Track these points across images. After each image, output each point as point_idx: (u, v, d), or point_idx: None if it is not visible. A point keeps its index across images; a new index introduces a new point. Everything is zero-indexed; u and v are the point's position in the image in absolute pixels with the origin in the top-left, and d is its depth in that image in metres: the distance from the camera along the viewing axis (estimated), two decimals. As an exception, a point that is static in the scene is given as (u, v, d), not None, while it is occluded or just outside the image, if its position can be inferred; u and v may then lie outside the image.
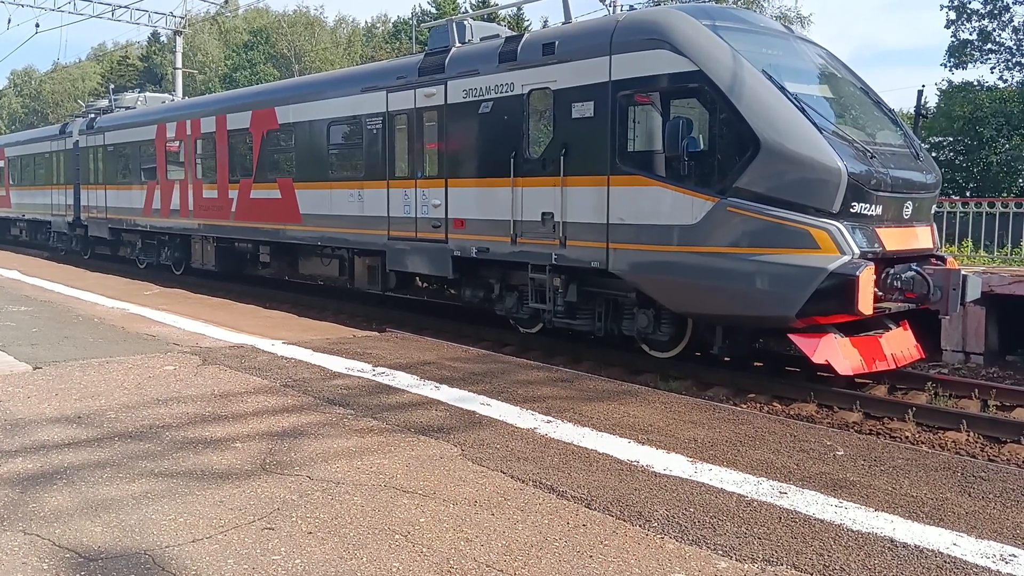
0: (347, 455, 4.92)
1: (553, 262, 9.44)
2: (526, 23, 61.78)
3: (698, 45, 8.21)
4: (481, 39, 11.10)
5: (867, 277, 7.40)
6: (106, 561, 3.48)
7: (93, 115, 22.18)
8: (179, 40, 38.77)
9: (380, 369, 7.29)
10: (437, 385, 6.69)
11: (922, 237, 8.53)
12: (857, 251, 7.55)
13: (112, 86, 36.68)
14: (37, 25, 34.15)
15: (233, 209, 15.00)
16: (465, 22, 11.42)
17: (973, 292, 8.31)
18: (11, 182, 27.09)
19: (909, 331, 8.86)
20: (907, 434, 7.21)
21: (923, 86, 11.04)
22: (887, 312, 8.26)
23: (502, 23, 58.85)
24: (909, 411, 7.61)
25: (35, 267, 17.09)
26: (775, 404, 8.15)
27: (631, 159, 8.75)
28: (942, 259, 8.73)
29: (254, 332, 9.11)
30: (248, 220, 14.61)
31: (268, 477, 4.53)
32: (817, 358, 7.78)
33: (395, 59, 15.29)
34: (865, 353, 8.05)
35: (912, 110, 10.61)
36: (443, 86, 10.71)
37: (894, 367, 8.36)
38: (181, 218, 16.76)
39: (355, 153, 12.33)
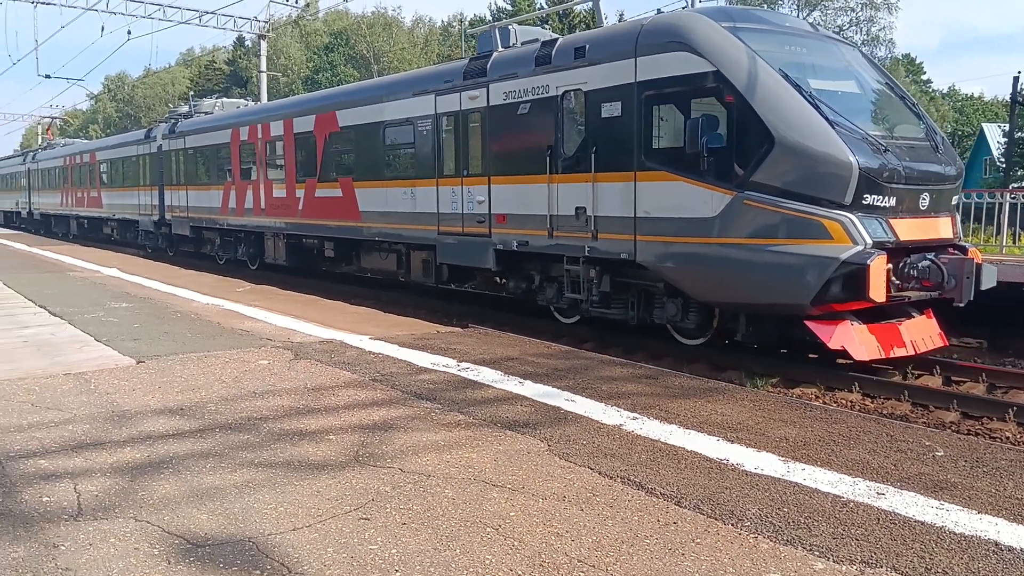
0: (436, 448, 5.01)
1: (586, 254, 9.99)
2: (604, 17, 61.44)
3: (716, 46, 8.61)
4: (523, 43, 11.61)
5: (878, 266, 7.66)
6: (213, 547, 3.63)
7: (175, 120, 23.60)
8: (263, 44, 39.91)
9: (464, 364, 7.38)
10: (521, 381, 6.74)
11: (941, 227, 8.72)
12: (870, 241, 7.84)
13: (191, 93, 38.01)
14: (129, 32, 35.48)
15: (300, 207, 15.94)
16: (510, 27, 11.98)
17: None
18: (103, 184, 28.89)
19: (933, 319, 9.07)
20: (1008, 434, 6.94)
21: (1019, 72, 10.80)
22: (907, 300, 8.45)
23: (573, 20, 58.62)
24: (1010, 411, 7.31)
25: (133, 265, 17.87)
26: (867, 402, 7.94)
27: (656, 155, 9.21)
28: (963, 249, 8.84)
29: (342, 328, 9.33)
30: (313, 217, 15.52)
31: (362, 469, 4.65)
32: (833, 344, 8.11)
33: (443, 64, 16.13)
34: (883, 339, 8.30)
35: (1008, 97, 10.41)
36: (485, 89, 11.37)
37: (913, 353, 8.58)
38: (254, 216, 17.84)
39: (407, 153, 13.04)
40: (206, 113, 22.82)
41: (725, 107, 8.56)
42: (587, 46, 10.08)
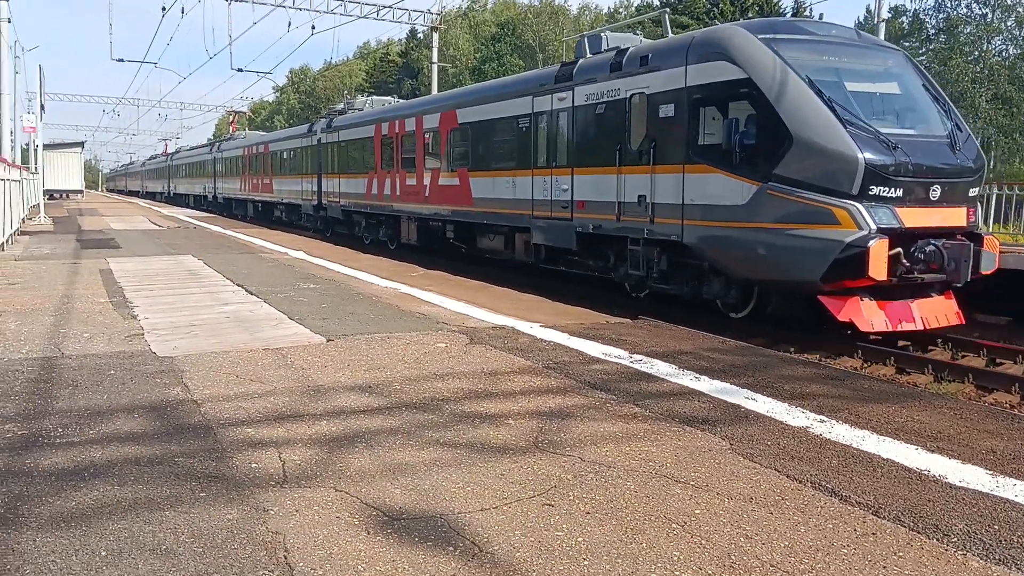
0: (614, 439, 5.00)
1: (645, 236, 11.46)
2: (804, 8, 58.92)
3: (749, 56, 9.91)
4: (610, 49, 12.94)
5: (879, 248, 8.79)
6: (408, 521, 3.79)
7: (331, 116, 26.52)
8: (435, 36, 41.16)
9: (637, 356, 7.32)
10: (697, 376, 6.60)
11: (951, 216, 9.61)
12: (874, 227, 8.96)
13: (344, 93, 40.73)
14: (313, 27, 37.60)
15: (427, 194, 18.17)
16: (601, 35, 13.64)
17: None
18: (273, 172, 32.36)
19: (952, 300, 10.02)
20: None
21: None
22: (920, 281, 9.47)
23: (746, 3, 56.49)
24: None
25: (316, 248, 18.97)
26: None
27: (700, 151, 10.54)
28: (976, 237, 9.77)
29: (512, 314, 9.50)
30: (437, 203, 17.71)
31: (542, 455, 4.71)
32: (842, 316, 9.34)
33: (539, 69, 18.13)
34: (892, 315, 9.46)
35: None
36: (571, 91, 13.05)
37: (922, 328, 9.65)
38: (392, 201, 20.35)
39: (509, 147, 14.87)
40: (357, 110, 25.54)
41: (754, 109, 9.81)
42: (650, 55, 11.56)
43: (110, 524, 3.70)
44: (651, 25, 60.84)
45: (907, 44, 50.98)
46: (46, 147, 42.07)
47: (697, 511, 3.96)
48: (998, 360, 9.68)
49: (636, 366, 6.95)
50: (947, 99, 10.75)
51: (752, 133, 9.79)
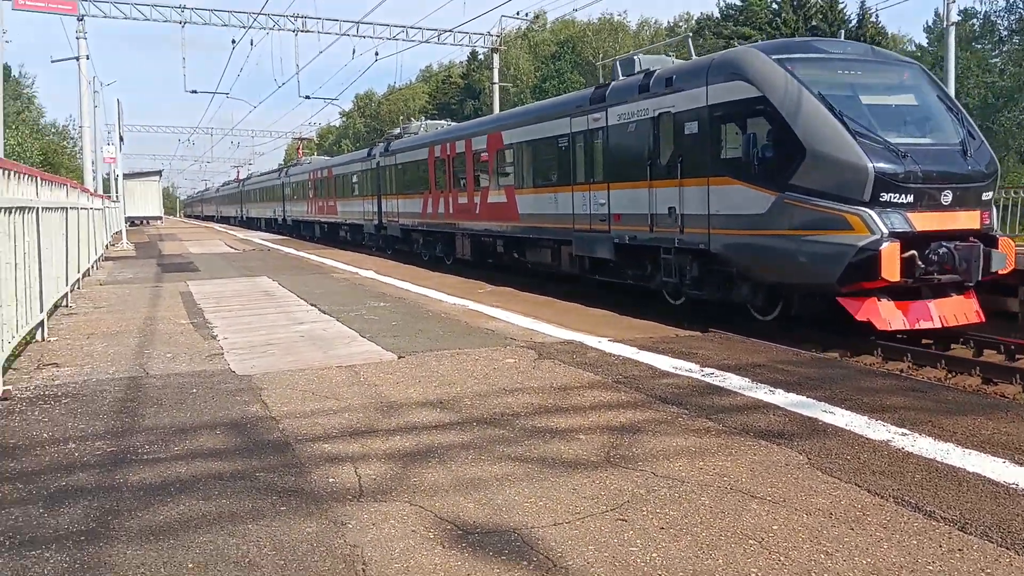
0: (687, 454, 4.95)
1: (676, 245, 12.09)
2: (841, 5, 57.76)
3: (763, 75, 10.58)
4: (638, 71, 13.73)
5: (890, 251, 9.29)
6: (482, 536, 3.82)
7: (388, 140, 27.97)
8: (496, 57, 41.58)
9: (708, 370, 7.23)
10: (771, 389, 6.48)
11: (964, 220, 10.02)
12: (886, 231, 9.45)
13: (401, 119, 41.92)
14: (376, 53, 38.54)
15: (477, 211, 19.16)
16: (634, 58, 14.41)
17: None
18: (337, 195, 33.83)
19: (972, 299, 10.37)
20: None
21: None
22: (937, 282, 9.92)
23: (808, 12, 55.53)
24: None
25: (385, 267, 19.28)
26: None
27: (722, 164, 11.15)
28: (991, 239, 10.21)
29: (580, 329, 9.49)
30: (487, 220, 18.63)
31: (614, 469, 4.69)
32: (860, 316, 9.80)
33: (576, 92, 18.77)
34: (910, 314, 9.89)
35: None
36: (605, 112, 13.88)
37: (939, 327, 10.03)
38: (446, 219, 21.36)
39: (551, 165, 15.78)
40: (412, 134, 26.67)
41: (770, 124, 10.43)
42: (674, 76, 12.30)
43: (196, 537, 3.83)
44: (712, 38, 60.19)
45: (980, 46, 49.41)
46: (126, 176, 43.86)
47: (775, 527, 3.89)
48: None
49: (707, 379, 6.87)
50: (961, 108, 11.30)
51: (769, 147, 10.42)
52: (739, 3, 63.74)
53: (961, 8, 43.23)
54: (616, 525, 3.93)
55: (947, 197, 9.87)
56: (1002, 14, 45.91)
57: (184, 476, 4.64)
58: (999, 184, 11.19)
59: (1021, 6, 44.42)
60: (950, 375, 9.43)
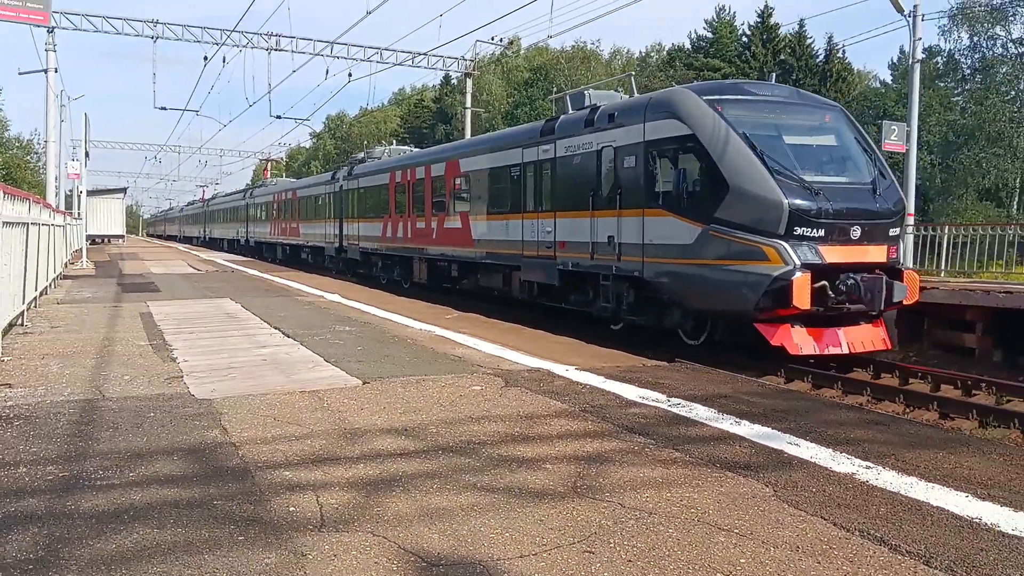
0: (654, 485, 4.91)
1: (614, 272, 12.66)
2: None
3: (693, 115, 11.21)
4: (587, 106, 14.23)
5: (801, 281, 9.94)
6: (447, 568, 3.74)
7: (352, 165, 28.17)
8: (469, 82, 41.79)
9: (675, 400, 7.23)
10: (737, 420, 6.49)
11: (872, 253, 10.75)
12: (799, 262, 10.12)
13: (365, 144, 42.19)
14: (350, 75, 38.41)
15: (434, 236, 19.66)
16: (584, 92, 14.96)
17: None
18: (300, 217, 33.91)
19: (880, 327, 11.16)
20: None
21: None
22: (846, 310, 10.54)
23: (778, 46, 56.69)
24: None
25: (351, 291, 19.13)
26: None
27: (656, 197, 11.80)
28: (896, 272, 10.98)
29: (547, 357, 9.46)
30: (443, 244, 19.17)
31: (581, 500, 4.64)
32: (775, 341, 10.42)
33: (528, 124, 19.53)
34: (820, 340, 10.57)
35: None
36: (554, 144, 14.45)
37: (847, 352, 10.75)
38: (404, 243, 21.78)
39: (502, 193, 16.28)
40: (376, 159, 27.00)
41: (699, 161, 11.05)
42: (616, 113, 12.93)
43: (149, 567, 3.70)
44: (683, 69, 61.09)
45: (943, 84, 50.74)
46: (89, 193, 43.18)
47: (742, 560, 3.86)
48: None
49: (674, 410, 6.86)
50: (876, 150, 12.10)
51: (697, 181, 11.13)
52: (710, 35, 64.94)
53: (926, 46, 44.45)
54: (583, 557, 3.88)
55: (856, 232, 10.57)
56: (966, 52, 47.23)
57: (139, 503, 4.49)
58: (956, 220, 11.82)
59: (985, 45, 45.75)
60: (908, 409, 9.54)
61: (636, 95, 14.18)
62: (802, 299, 9.93)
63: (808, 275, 9.98)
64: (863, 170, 11.44)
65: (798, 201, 10.24)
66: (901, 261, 11.46)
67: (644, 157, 12.03)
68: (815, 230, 10.30)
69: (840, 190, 10.78)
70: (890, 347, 11.30)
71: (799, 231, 10.23)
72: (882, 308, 10.64)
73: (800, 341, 10.44)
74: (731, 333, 11.57)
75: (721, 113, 10.99)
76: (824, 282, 10.21)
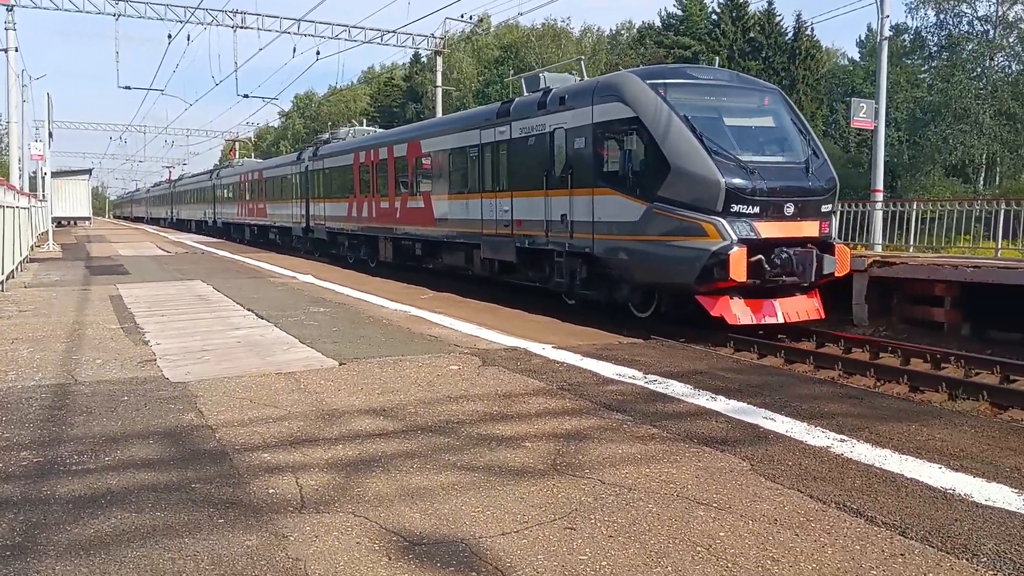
0: (633, 461, 4.95)
1: (567, 249, 13.12)
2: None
3: (638, 98, 11.66)
4: (542, 88, 14.58)
5: (737, 255, 10.43)
6: (429, 546, 3.75)
7: (317, 145, 28.37)
8: (439, 60, 41.43)
9: (652, 377, 7.28)
10: (713, 396, 6.55)
11: (805, 229, 11.26)
12: (735, 238, 10.59)
13: (328, 125, 41.80)
14: (318, 52, 37.87)
15: (398, 216, 20.01)
16: (540, 75, 15.46)
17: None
18: (267, 198, 33.94)
19: (815, 298, 11.73)
20: None
21: None
22: (782, 283, 11.07)
23: (747, 23, 56.79)
24: None
25: (324, 272, 19.01)
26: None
27: (604, 176, 12.24)
28: (828, 246, 11.47)
29: (524, 336, 9.47)
30: (407, 224, 19.56)
31: (561, 478, 4.66)
32: (715, 312, 10.94)
33: (486, 106, 20.10)
34: (756, 310, 11.10)
35: None
36: (509, 125, 14.83)
37: (783, 322, 11.30)
38: (369, 223, 22.06)
39: (462, 173, 16.74)
40: (340, 139, 27.14)
41: (643, 142, 11.50)
42: (566, 96, 13.39)
43: (129, 551, 3.67)
44: (653, 47, 61.04)
45: (910, 61, 51.17)
46: (54, 174, 42.33)
47: (721, 533, 3.91)
48: (1012, 377, 9.61)
49: (651, 387, 6.91)
50: (810, 130, 12.60)
51: (641, 162, 11.56)
52: (680, 13, 64.83)
53: (893, 23, 44.76)
54: (565, 534, 3.90)
55: (790, 209, 11.09)
56: (932, 30, 47.59)
57: (116, 488, 4.45)
58: (924, 196, 12.12)
59: (951, 23, 46.14)
60: (879, 383, 9.68)
61: (586, 78, 14.64)
62: (739, 272, 10.44)
63: (744, 249, 10.48)
64: (798, 150, 11.95)
65: (734, 180, 10.73)
66: (834, 236, 12.05)
67: (593, 138, 12.49)
68: (751, 207, 10.81)
69: (775, 169, 11.29)
70: (823, 316, 11.88)
71: (736, 208, 10.72)
72: (813, 280, 11.17)
73: (738, 312, 10.96)
74: (676, 306, 12.04)
75: (664, 96, 11.44)
76: (760, 256, 10.69)
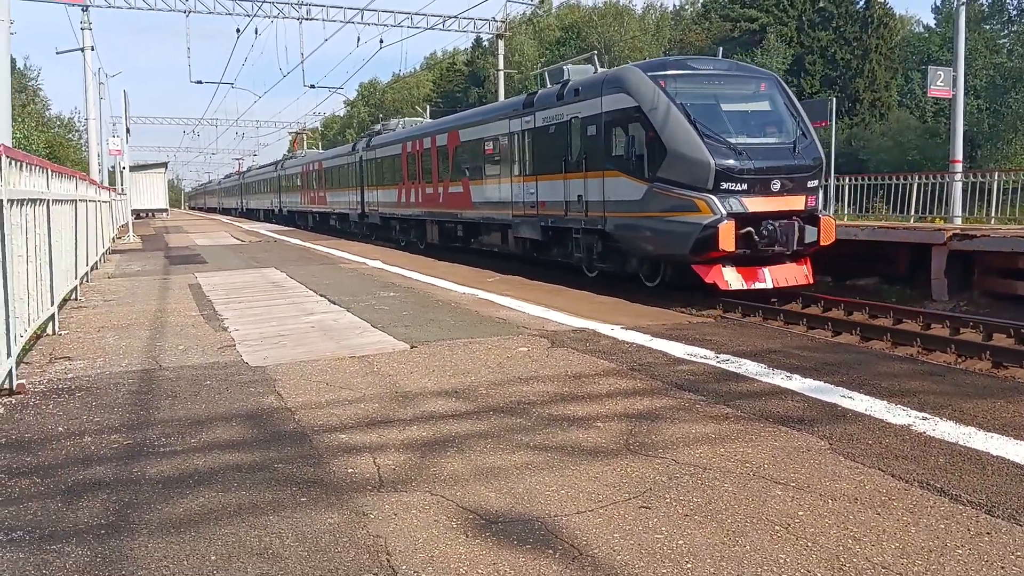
0: (707, 441, 4.91)
1: (583, 227, 14.86)
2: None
3: (639, 90, 13.19)
4: (560, 80, 16.09)
5: (726, 228, 11.74)
6: (505, 524, 3.80)
7: (370, 136, 30.54)
8: (500, 43, 41.38)
9: (724, 356, 7.19)
10: (788, 375, 6.44)
11: (791, 203, 12.48)
12: (724, 212, 11.93)
13: (401, 110, 42.99)
14: (381, 41, 38.30)
15: (441, 201, 22.03)
16: (563, 67, 16.66)
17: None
18: (327, 186, 36.05)
19: (804, 265, 12.89)
20: None
21: None
22: (770, 253, 12.33)
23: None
24: None
25: (393, 257, 19.25)
26: None
27: (612, 160, 13.83)
28: (814, 218, 12.73)
29: (591, 317, 9.45)
30: (449, 207, 21.51)
31: (634, 457, 4.66)
32: (708, 279, 12.26)
33: (513, 98, 21.98)
34: (747, 277, 12.35)
35: None
36: (534, 115, 16.63)
37: (771, 287, 12.49)
38: (416, 207, 24.17)
39: (496, 160, 18.42)
40: (391, 130, 29.03)
41: (644, 129, 12.95)
42: (580, 88, 14.97)
43: (217, 529, 3.81)
44: (719, 21, 59.75)
45: (988, 27, 48.96)
46: (132, 168, 43.82)
47: (800, 513, 3.85)
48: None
49: (723, 366, 6.83)
50: (803, 113, 13.81)
51: (643, 146, 12.93)
52: (743, -15, 63.24)
53: (969, -12, 42.76)
54: (640, 512, 3.90)
55: (776, 185, 12.32)
56: (1012, -7, 45.48)
57: (202, 468, 4.62)
58: (1006, 166, 11.94)
59: (1030, -14, 43.98)
60: (960, 359, 9.39)
61: (599, 71, 15.94)
62: (727, 242, 11.72)
63: (732, 223, 11.77)
64: (788, 131, 13.23)
65: (724, 161, 12.07)
66: (820, 208, 13.37)
67: (602, 126, 14.03)
68: (739, 184, 12.08)
69: (763, 149, 12.58)
70: (811, 282, 12.99)
71: (725, 186, 12.02)
72: (795, 248, 12.37)
73: (730, 278, 12.23)
74: (678, 275, 13.35)
75: (663, 87, 12.83)
76: (750, 228, 12.01)
